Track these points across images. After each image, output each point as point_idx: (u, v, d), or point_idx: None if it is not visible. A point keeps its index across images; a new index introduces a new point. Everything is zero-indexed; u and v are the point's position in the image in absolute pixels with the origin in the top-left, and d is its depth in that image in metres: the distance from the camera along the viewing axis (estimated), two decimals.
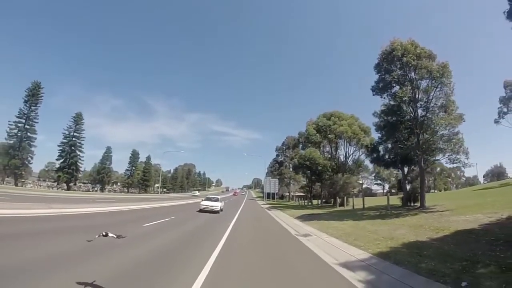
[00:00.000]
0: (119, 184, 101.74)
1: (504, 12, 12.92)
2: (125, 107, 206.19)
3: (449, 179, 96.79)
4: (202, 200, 23.06)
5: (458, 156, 18.03)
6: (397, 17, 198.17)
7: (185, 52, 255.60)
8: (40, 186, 66.77)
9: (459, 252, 7.16)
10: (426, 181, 75.79)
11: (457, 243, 8.28)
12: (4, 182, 52.61)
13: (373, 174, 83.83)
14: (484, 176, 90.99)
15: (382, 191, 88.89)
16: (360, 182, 75.13)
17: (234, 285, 5.04)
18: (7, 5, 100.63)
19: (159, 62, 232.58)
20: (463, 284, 4.92)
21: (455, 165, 19.67)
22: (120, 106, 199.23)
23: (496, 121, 39.64)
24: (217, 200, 22.91)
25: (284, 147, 68.42)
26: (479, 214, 12.63)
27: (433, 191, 75.29)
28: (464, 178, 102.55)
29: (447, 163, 19.34)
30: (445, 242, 8.65)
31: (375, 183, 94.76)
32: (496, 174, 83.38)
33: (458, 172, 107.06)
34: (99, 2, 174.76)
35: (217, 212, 20.90)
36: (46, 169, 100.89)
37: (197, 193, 71.69)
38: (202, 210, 20.54)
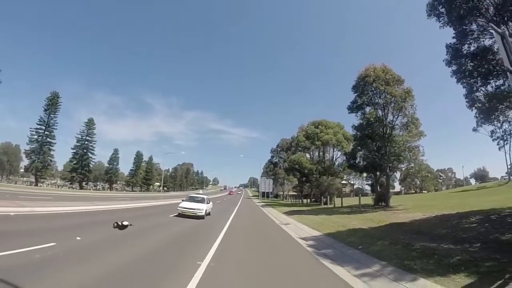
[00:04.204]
0: (118, 182, 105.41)
1: (443, 60, 16.78)
2: (122, 104, 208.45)
3: (440, 180, 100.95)
4: (182, 200, 17.47)
5: (412, 165, 22.53)
6: (398, 18, 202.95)
7: (184, 51, 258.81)
8: (48, 185, 68.52)
9: (378, 234, 11.34)
10: (417, 182, 79.05)
11: (383, 230, 12.49)
12: (12, 182, 56.04)
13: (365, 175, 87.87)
14: (475, 178, 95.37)
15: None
16: (352, 183, 79.52)
17: (238, 241, 9.93)
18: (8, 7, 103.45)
19: (157, 60, 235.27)
20: (360, 247, 9.26)
21: (412, 170, 24.31)
22: (117, 104, 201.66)
23: (475, 129, 43.42)
24: (202, 201, 17.43)
25: (279, 149, 72.04)
26: (419, 212, 16.09)
27: (425, 191, 78.89)
28: (454, 179, 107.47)
29: (405, 169, 23.80)
30: (376, 229, 12.86)
31: (367, 184, 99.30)
32: (480, 176, 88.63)
33: (450, 174, 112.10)
34: (99, 2, 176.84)
35: (201, 217, 15.61)
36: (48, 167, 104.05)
37: (200, 191, 75.40)
38: (181, 215, 15.45)
